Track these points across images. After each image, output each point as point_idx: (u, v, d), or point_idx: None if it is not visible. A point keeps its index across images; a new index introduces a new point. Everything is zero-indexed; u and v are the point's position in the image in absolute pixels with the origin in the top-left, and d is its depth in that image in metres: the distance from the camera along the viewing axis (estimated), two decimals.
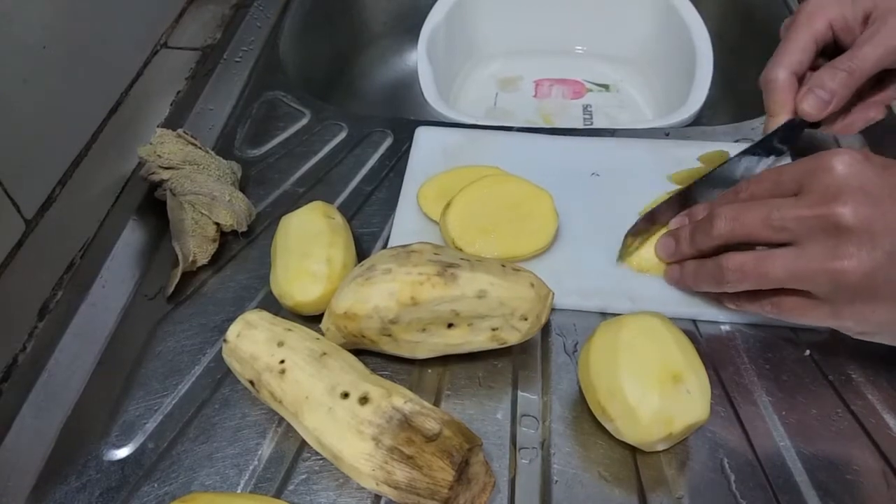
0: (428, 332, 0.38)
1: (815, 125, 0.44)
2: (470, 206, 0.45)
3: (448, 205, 0.46)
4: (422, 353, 0.39)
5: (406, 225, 0.48)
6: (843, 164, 0.34)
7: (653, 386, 0.34)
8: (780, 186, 0.37)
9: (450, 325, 0.38)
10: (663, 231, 0.45)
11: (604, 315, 0.43)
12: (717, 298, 0.41)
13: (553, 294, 0.40)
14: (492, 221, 0.45)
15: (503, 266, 0.39)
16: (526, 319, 0.38)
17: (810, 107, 0.42)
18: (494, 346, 0.39)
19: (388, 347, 0.39)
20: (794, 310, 0.37)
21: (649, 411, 0.34)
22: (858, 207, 0.33)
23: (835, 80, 0.41)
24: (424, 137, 0.54)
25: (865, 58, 0.41)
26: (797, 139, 0.45)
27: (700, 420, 0.34)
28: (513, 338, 0.39)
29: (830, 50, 0.44)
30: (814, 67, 0.44)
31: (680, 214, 0.44)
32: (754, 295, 0.39)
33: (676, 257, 0.43)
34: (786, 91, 0.43)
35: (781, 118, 0.44)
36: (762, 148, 0.45)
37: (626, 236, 0.44)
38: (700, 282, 0.41)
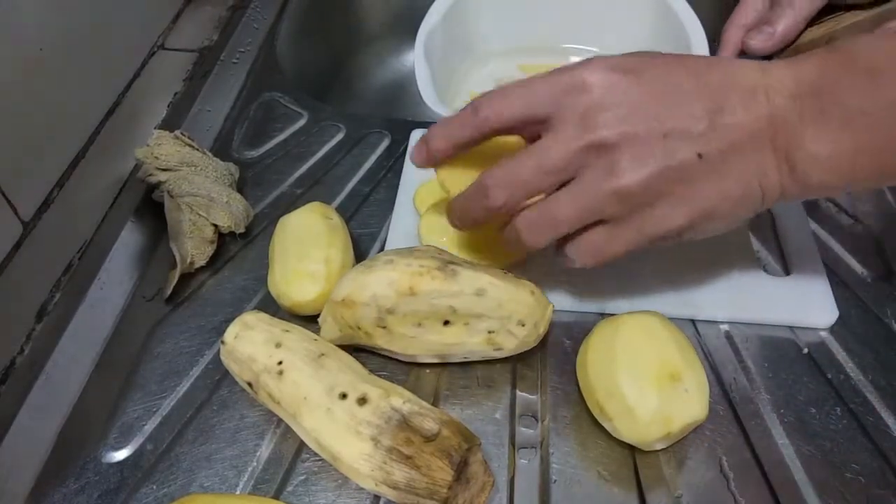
0: (423, 327, 0.38)
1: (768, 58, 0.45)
2: None
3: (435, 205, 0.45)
4: (416, 351, 0.39)
5: (403, 229, 0.48)
6: (598, 85, 0.33)
7: (651, 385, 0.34)
8: (533, 109, 0.35)
9: (446, 322, 0.38)
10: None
11: (602, 314, 0.43)
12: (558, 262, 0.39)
13: (553, 307, 0.39)
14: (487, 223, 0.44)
15: (505, 273, 0.39)
16: (523, 325, 0.38)
17: (757, 42, 0.43)
18: (489, 350, 0.39)
19: (383, 342, 0.39)
20: (604, 244, 0.35)
21: (648, 410, 0.34)
22: (616, 125, 0.33)
23: (781, 19, 0.42)
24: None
25: None
26: None
27: (698, 419, 0.34)
28: (509, 343, 0.38)
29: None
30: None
31: None
32: (564, 244, 0.37)
33: (467, 229, 0.40)
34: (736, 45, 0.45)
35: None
36: None
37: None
38: (510, 249, 0.38)
